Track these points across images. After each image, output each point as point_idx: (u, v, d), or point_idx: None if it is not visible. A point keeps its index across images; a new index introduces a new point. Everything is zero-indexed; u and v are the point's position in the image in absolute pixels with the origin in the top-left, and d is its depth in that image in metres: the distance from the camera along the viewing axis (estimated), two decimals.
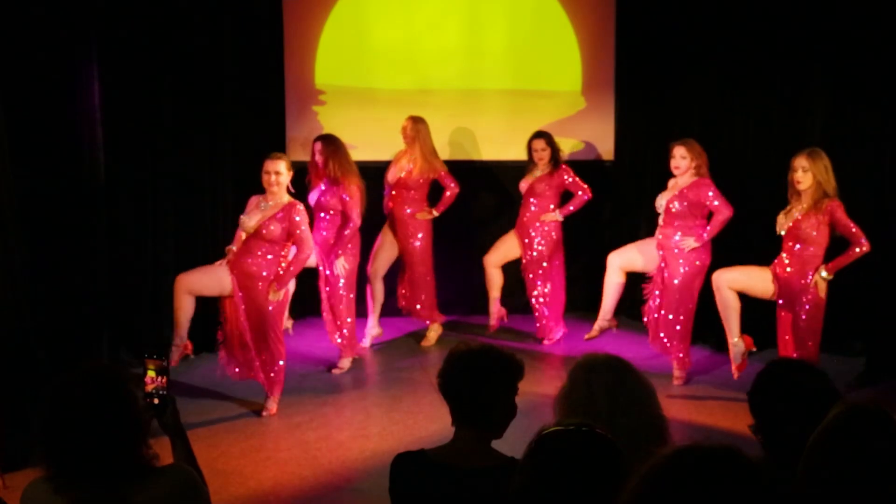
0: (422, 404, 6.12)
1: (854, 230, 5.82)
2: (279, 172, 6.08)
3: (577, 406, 2.61)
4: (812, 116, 7.28)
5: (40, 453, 2.39)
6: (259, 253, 6.06)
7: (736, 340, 6.04)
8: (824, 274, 5.86)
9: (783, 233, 5.97)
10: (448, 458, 2.70)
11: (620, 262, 7.05)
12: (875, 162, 7.09)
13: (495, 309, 7.80)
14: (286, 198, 6.13)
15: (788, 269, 5.99)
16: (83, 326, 6.64)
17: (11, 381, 5.62)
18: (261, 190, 6.27)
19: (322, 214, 6.93)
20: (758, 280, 6.07)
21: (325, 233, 6.91)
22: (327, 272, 6.94)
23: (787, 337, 6.08)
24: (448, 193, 7.49)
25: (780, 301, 6.09)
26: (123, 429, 2.37)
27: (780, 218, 6.01)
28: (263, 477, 5.28)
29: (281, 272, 6.11)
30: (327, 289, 6.95)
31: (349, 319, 7.01)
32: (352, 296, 7.02)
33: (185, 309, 6.16)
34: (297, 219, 6.06)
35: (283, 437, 5.93)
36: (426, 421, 5.87)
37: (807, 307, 5.94)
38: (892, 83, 6.88)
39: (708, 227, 6.52)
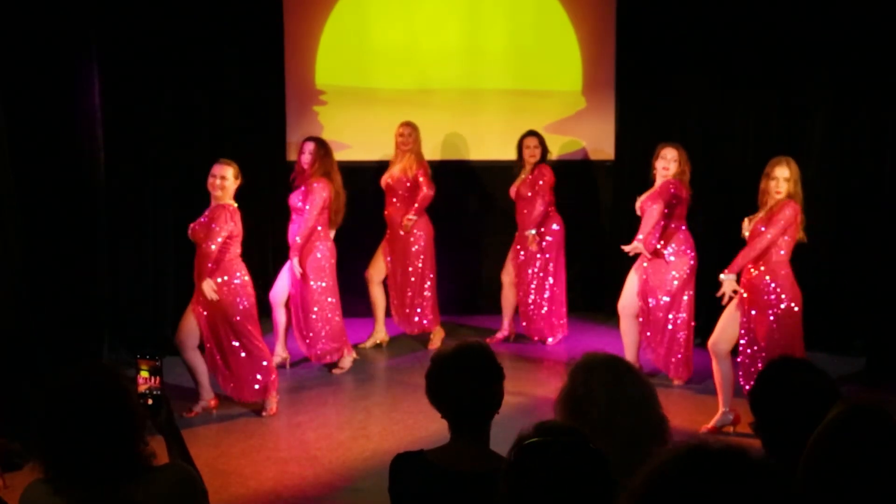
0: (422, 404, 6.01)
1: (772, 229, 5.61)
2: (224, 177, 6.01)
3: (577, 407, 2.60)
4: (812, 117, 7.28)
5: (38, 455, 2.38)
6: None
7: (727, 410, 5.88)
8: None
9: (747, 234, 5.85)
10: (447, 461, 2.70)
11: (632, 310, 6.72)
12: (876, 162, 7.09)
13: (507, 325, 7.77)
14: (227, 202, 6.07)
15: (754, 271, 5.80)
16: (83, 326, 6.65)
17: (11, 381, 5.62)
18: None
19: (295, 217, 6.90)
20: (734, 324, 5.89)
21: (298, 237, 6.84)
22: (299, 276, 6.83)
23: (762, 344, 5.74)
24: (421, 194, 7.31)
25: (753, 312, 5.76)
26: (120, 427, 2.35)
27: (745, 223, 5.89)
28: (264, 477, 5.28)
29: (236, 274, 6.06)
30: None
31: (327, 323, 6.93)
32: (331, 299, 6.89)
33: (197, 366, 6.10)
34: (212, 215, 5.98)
35: (284, 437, 5.93)
36: (426, 421, 5.86)
37: (782, 307, 5.75)
38: (893, 84, 6.87)
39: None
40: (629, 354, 6.61)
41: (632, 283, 6.67)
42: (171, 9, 7.22)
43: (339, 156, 7.43)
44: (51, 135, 6.36)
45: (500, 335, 7.76)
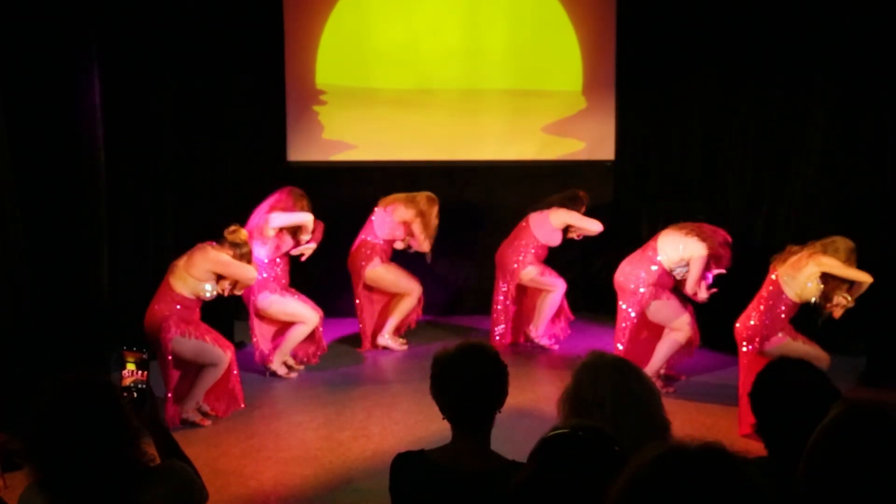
0: (422, 404, 6.10)
1: None
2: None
3: (583, 406, 2.60)
4: (813, 118, 7.28)
5: (31, 471, 2.34)
6: None
7: None
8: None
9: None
10: (448, 461, 2.70)
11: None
12: (876, 162, 7.08)
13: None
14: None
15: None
16: (83, 326, 6.64)
17: (11, 381, 5.62)
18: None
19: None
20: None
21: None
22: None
23: None
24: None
25: None
26: (115, 439, 2.31)
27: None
28: (264, 477, 5.28)
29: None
30: None
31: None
32: None
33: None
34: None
35: (284, 437, 5.93)
36: (426, 421, 5.87)
37: None
38: (893, 83, 6.87)
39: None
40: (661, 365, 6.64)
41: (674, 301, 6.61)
42: (172, 9, 7.21)
43: (339, 156, 7.43)
44: (51, 135, 6.35)
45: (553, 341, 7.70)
